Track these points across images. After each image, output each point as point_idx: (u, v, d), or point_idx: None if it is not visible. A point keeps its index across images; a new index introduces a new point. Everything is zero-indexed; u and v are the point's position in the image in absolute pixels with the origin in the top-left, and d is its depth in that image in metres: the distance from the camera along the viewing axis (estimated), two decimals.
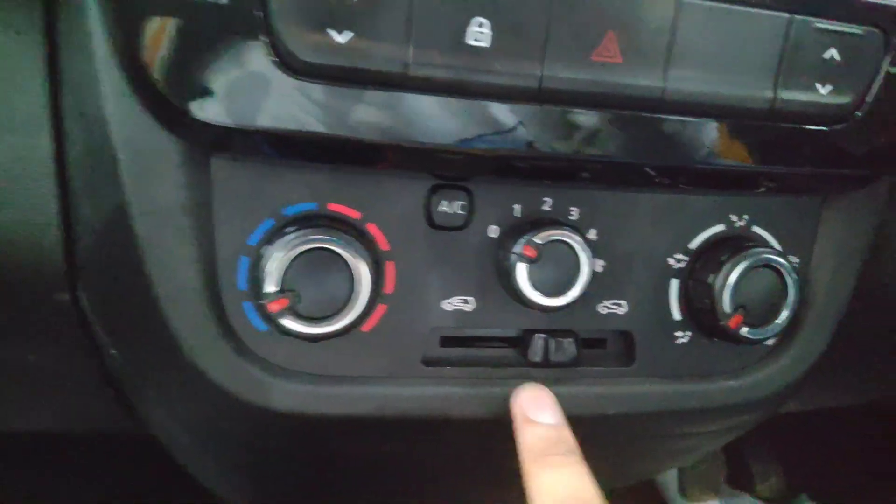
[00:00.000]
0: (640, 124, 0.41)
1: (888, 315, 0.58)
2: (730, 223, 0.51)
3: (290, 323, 0.42)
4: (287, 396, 0.46)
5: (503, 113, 0.40)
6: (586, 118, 0.41)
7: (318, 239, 0.42)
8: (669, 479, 1.41)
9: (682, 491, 1.38)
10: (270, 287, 0.42)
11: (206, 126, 0.38)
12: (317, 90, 0.38)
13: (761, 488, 1.36)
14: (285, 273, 0.42)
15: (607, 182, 0.48)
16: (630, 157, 0.42)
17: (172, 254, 0.43)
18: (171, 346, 0.45)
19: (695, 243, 0.50)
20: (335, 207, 0.45)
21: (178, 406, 0.51)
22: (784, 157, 0.45)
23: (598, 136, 0.41)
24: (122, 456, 0.81)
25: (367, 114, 0.39)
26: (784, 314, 0.50)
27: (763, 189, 0.50)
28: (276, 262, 0.42)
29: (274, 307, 0.42)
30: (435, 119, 0.40)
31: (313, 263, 0.42)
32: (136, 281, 0.44)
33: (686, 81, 0.41)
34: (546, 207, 0.48)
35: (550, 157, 0.41)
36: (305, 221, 0.44)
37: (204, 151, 0.43)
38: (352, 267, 0.43)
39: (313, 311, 0.43)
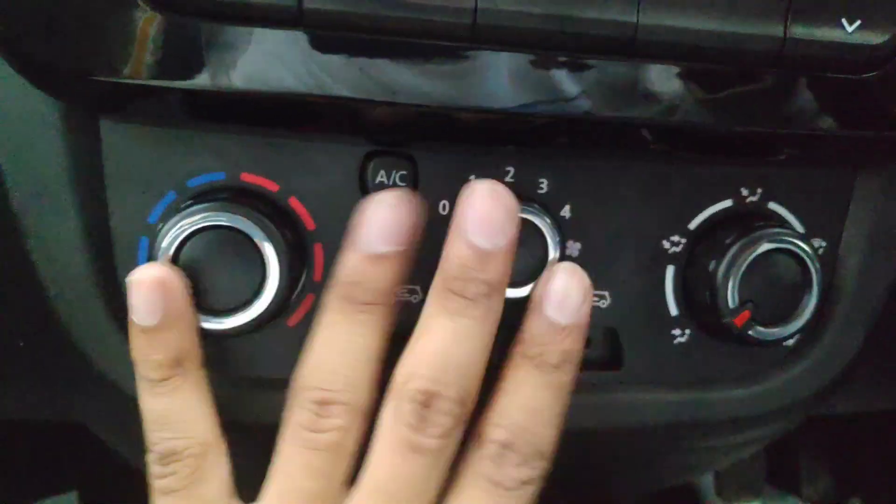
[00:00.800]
0: (605, 71, 0.33)
1: None
2: (740, 198, 0.42)
3: None
4: None
5: (436, 57, 0.32)
6: (538, 63, 0.33)
7: (215, 216, 0.35)
8: (705, 479, 1.32)
9: (719, 492, 1.29)
10: None
11: (62, 80, 0.32)
12: (193, 29, 0.31)
13: (809, 490, 1.26)
14: (178, 257, 0.35)
15: (585, 147, 0.40)
16: (591, 114, 0.33)
17: (56, 234, 0.37)
18: (65, 340, 0.39)
19: (695, 222, 0.42)
20: (249, 178, 0.38)
21: (86, 406, 0.45)
22: (799, 116, 0.36)
23: (552, 88, 0.33)
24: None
25: (256, 60, 0.31)
26: (805, 310, 0.40)
27: (781, 157, 0.41)
28: (166, 245, 0.35)
29: None
30: (348, 67, 0.32)
31: (215, 246, 0.35)
32: (20, 266, 0.37)
33: (665, 15, 0.32)
34: (509, 179, 0.40)
35: (493, 113, 0.33)
36: (212, 195, 0.37)
37: (88, 113, 0.36)
38: (261, 249, 0.35)
39: (216, 302, 0.36)
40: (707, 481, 1.30)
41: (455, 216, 0.35)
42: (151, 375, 0.35)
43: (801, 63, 0.34)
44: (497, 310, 0.36)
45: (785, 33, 0.33)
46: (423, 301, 0.40)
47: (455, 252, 0.34)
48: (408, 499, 0.34)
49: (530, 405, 0.35)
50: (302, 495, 0.35)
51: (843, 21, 0.34)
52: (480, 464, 0.35)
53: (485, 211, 0.33)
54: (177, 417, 0.35)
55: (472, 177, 0.39)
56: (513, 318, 0.41)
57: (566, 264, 0.36)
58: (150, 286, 0.34)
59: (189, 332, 0.35)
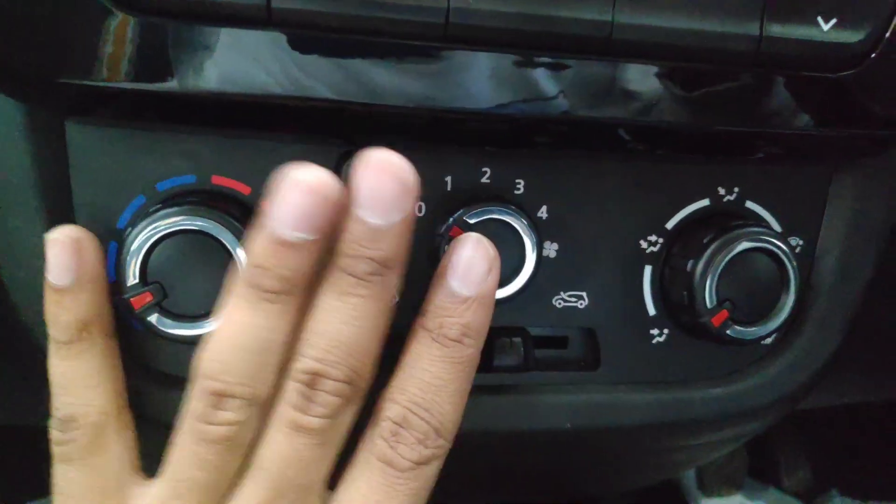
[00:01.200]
0: (581, 72, 0.33)
1: None
2: (717, 197, 0.42)
3: (158, 322, 0.35)
4: (167, 407, 0.38)
5: (408, 58, 0.32)
6: (513, 64, 0.32)
7: (186, 220, 0.34)
8: (688, 472, 1.33)
9: (701, 486, 1.30)
10: (131, 279, 0.34)
11: (28, 83, 0.31)
12: (161, 31, 0.30)
13: (788, 482, 1.27)
14: (148, 262, 0.34)
15: (563, 148, 0.40)
16: (567, 115, 0.33)
17: (22, 240, 0.36)
18: (32, 346, 0.38)
19: (672, 222, 0.41)
20: (220, 181, 0.37)
21: None
22: (776, 115, 0.35)
23: (532, 89, 0.33)
24: None
25: (229, 62, 0.31)
26: (783, 309, 0.40)
27: (758, 156, 0.41)
28: (135, 250, 0.34)
29: (136, 302, 0.34)
30: (320, 68, 0.32)
31: (186, 250, 0.35)
32: None
33: (641, 14, 0.32)
34: (485, 179, 0.39)
35: (472, 114, 0.33)
36: (182, 198, 0.36)
37: (53, 115, 0.35)
38: (233, 254, 0.35)
39: (187, 307, 0.35)
40: (689, 475, 1.31)
41: (348, 189, 0.31)
42: (59, 337, 0.35)
43: (778, 62, 0.34)
44: (391, 288, 0.33)
45: (761, 32, 0.33)
46: (399, 303, 0.40)
47: (346, 228, 0.31)
48: (293, 478, 0.33)
49: (426, 379, 0.34)
50: (193, 484, 0.34)
51: (819, 19, 0.33)
52: (373, 443, 0.34)
53: (376, 184, 0.30)
54: (79, 383, 0.35)
55: (448, 178, 0.39)
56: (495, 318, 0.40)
57: (472, 235, 0.35)
58: (65, 245, 0.33)
59: (100, 297, 0.35)
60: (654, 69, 0.34)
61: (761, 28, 0.33)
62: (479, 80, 0.32)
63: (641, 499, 1.22)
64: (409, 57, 0.32)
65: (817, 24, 0.33)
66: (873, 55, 0.35)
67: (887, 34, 0.34)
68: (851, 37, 0.34)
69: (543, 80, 0.33)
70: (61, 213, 0.36)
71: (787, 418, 0.52)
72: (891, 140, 0.40)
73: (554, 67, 0.32)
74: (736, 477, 1.30)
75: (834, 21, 0.33)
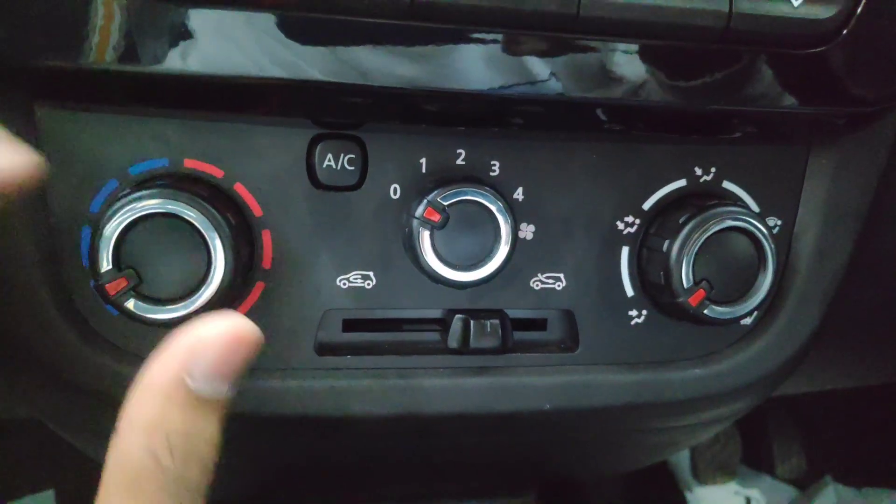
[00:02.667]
0: (550, 49, 0.32)
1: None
2: (693, 178, 0.42)
3: (136, 307, 0.35)
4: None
5: (372, 36, 0.32)
6: (482, 42, 0.32)
7: (158, 204, 0.34)
8: (682, 460, 1.33)
9: (695, 473, 1.30)
10: (104, 264, 0.34)
11: None
12: (130, 11, 0.30)
13: (782, 469, 1.28)
14: (122, 246, 0.34)
15: (537, 128, 0.40)
16: (539, 93, 0.33)
17: None
18: (11, 333, 0.38)
19: (649, 203, 0.41)
20: (193, 164, 0.37)
21: (38, 401, 0.44)
22: (750, 94, 0.35)
23: (497, 67, 0.32)
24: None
25: (192, 42, 0.30)
26: (760, 289, 0.40)
27: (734, 135, 0.41)
28: (108, 234, 0.34)
29: (111, 288, 0.34)
30: (293, 46, 0.31)
31: (159, 234, 0.35)
32: None
33: None
34: (460, 161, 0.39)
35: (434, 93, 0.32)
36: (155, 182, 0.36)
37: (23, 97, 0.35)
38: (205, 237, 0.35)
39: (162, 291, 0.35)
40: (683, 463, 1.32)
41: None
42: None
43: (748, 39, 0.34)
44: None
45: (730, 8, 0.33)
46: (379, 287, 0.40)
47: None
48: None
49: None
50: None
51: None
52: None
53: None
54: None
55: (423, 160, 0.39)
56: (474, 301, 0.41)
57: None
58: None
59: None
60: (628, 48, 0.34)
61: (731, 4, 0.33)
62: (456, 61, 0.32)
63: (636, 487, 1.22)
64: (381, 36, 0.32)
65: (787, 0, 0.33)
66: (845, 31, 0.34)
67: (858, 10, 0.34)
68: (822, 13, 0.34)
69: (539, 61, 0.33)
70: (33, 199, 0.36)
71: (780, 406, 0.52)
72: (866, 118, 0.40)
73: (548, 49, 0.32)
74: (730, 464, 1.30)
75: None
